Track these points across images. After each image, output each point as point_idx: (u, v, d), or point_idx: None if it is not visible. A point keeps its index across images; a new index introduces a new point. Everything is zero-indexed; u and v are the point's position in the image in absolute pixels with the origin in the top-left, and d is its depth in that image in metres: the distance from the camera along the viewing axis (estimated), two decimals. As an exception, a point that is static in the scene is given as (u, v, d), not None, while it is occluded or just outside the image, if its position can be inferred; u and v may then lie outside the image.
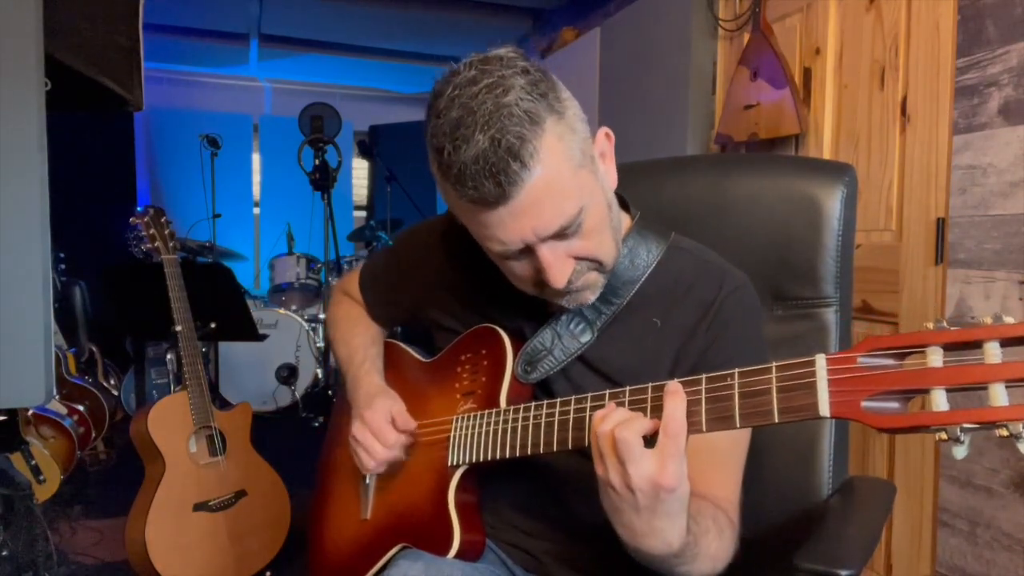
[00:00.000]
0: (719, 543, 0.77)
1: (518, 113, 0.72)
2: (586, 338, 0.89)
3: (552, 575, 0.95)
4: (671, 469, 0.64)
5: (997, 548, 1.61)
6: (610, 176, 0.86)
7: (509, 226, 0.76)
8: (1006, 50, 1.61)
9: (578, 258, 0.81)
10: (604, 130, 0.86)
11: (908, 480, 1.84)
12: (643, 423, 0.67)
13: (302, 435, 3.64)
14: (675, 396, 0.66)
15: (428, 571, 0.82)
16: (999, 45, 1.62)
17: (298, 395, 3.92)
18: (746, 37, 2.44)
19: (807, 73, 2.24)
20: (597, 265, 0.83)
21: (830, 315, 1.02)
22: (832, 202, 1.02)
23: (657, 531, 0.67)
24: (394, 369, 1.11)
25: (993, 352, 0.53)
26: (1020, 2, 1.59)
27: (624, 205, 0.96)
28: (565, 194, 0.76)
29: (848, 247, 1.04)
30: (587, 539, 0.92)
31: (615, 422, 0.67)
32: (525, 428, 0.83)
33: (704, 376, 0.68)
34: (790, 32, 2.30)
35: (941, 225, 1.77)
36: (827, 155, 2.16)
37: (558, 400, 0.81)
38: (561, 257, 0.79)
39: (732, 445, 0.85)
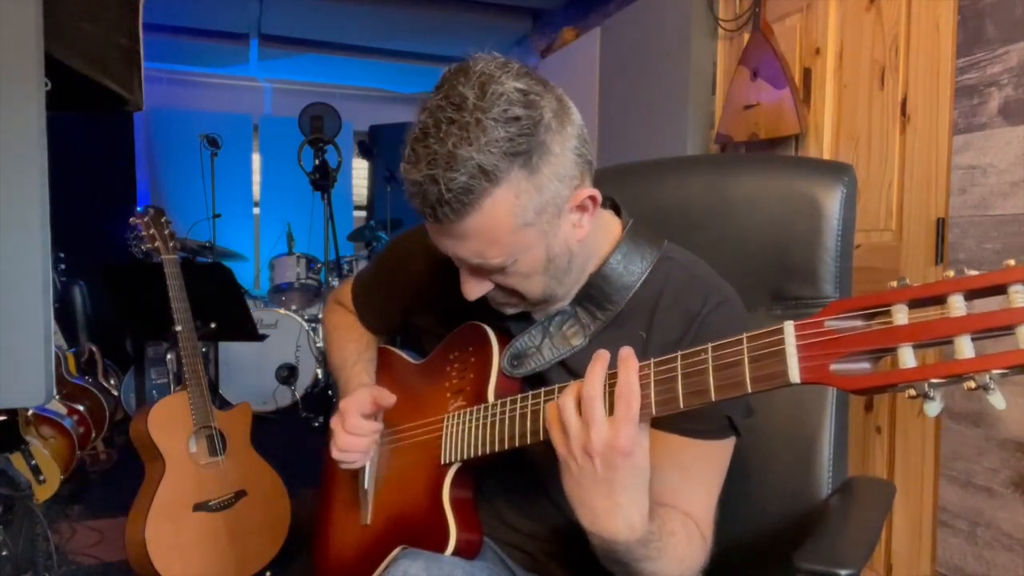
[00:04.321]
0: (688, 548, 0.77)
1: (471, 168, 0.71)
2: (577, 342, 0.89)
3: (551, 575, 0.95)
4: (624, 432, 0.66)
5: (997, 548, 1.61)
6: (579, 231, 0.83)
7: (439, 239, 0.80)
8: (1006, 50, 1.61)
9: (499, 286, 0.83)
10: (589, 192, 0.81)
11: (908, 480, 1.84)
12: (601, 372, 0.69)
13: (302, 435, 3.64)
14: (625, 362, 0.68)
15: (428, 569, 0.82)
16: (999, 45, 1.62)
17: (298, 395, 3.92)
18: (746, 37, 2.44)
19: (807, 73, 2.24)
20: (518, 297, 0.85)
21: (830, 315, 1.02)
22: (832, 202, 1.02)
23: (619, 508, 0.68)
24: (387, 373, 1.11)
25: (957, 305, 0.52)
26: (1020, 2, 1.59)
27: (617, 210, 0.95)
28: (493, 244, 0.77)
29: (848, 247, 1.04)
30: (585, 539, 0.92)
31: (577, 385, 0.70)
32: (512, 420, 0.83)
33: (679, 353, 0.68)
34: (790, 32, 2.31)
35: (941, 225, 1.77)
36: (827, 155, 2.16)
37: (542, 390, 0.81)
38: (478, 278, 0.83)
39: (706, 463, 0.85)
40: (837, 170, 1.05)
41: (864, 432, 1.96)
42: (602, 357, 0.70)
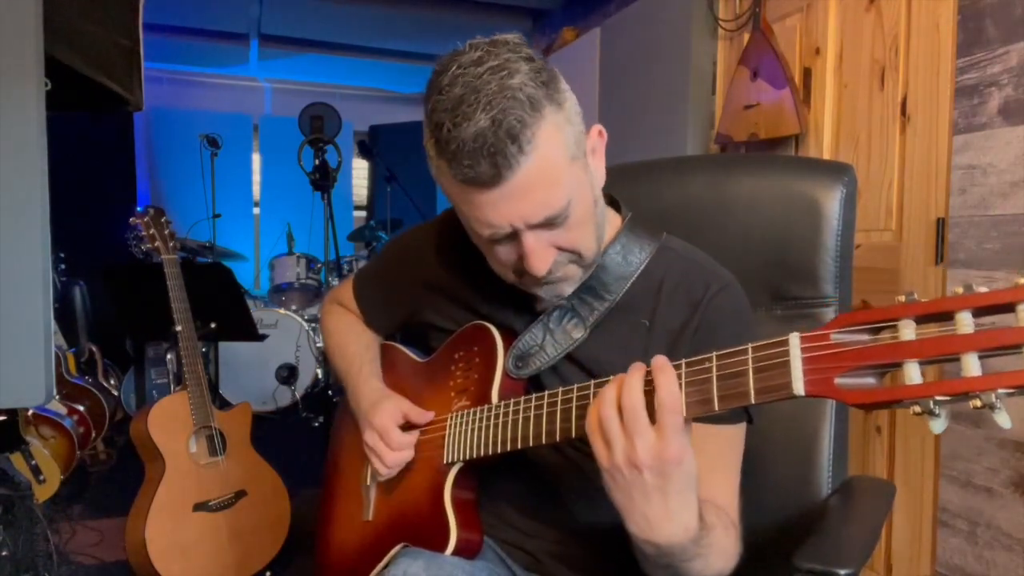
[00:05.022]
0: (727, 539, 0.77)
1: (521, 97, 0.72)
2: (578, 334, 0.89)
3: (552, 575, 0.95)
4: (674, 442, 0.64)
5: (997, 548, 1.61)
6: (599, 172, 0.86)
7: (499, 209, 0.76)
8: (1006, 50, 1.61)
9: (560, 248, 0.82)
10: (597, 127, 0.86)
11: (908, 480, 1.84)
12: (639, 381, 0.67)
13: (302, 435, 3.64)
14: (664, 371, 0.66)
15: (428, 569, 0.82)
16: (999, 45, 1.62)
17: (298, 395, 3.92)
18: (746, 37, 2.44)
19: (807, 73, 2.24)
20: (577, 258, 0.84)
21: (830, 315, 1.02)
22: (831, 202, 1.02)
23: (673, 513, 0.66)
24: (391, 371, 1.11)
25: (965, 322, 0.52)
26: (1020, 2, 1.59)
27: (615, 206, 0.96)
28: (556, 184, 0.77)
29: (848, 247, 1.04)
30: (586, 539, 0.92)
31: (615, 393, 0.67)
32: (515, 422, 0.83)
33: (684, 361, 0.68)
34: (790, 32, 2.30)
35: (941, 225, 1.77)
36: (827, 155, 2.16)
37: (546, 392, 0.81)
38: (544, 246, 0.80)
39: (725, 449, 0.85)
40: (837, 170, 1.05)
41: (864, 432, 1.96)
42: (639, 367, 0.69)
